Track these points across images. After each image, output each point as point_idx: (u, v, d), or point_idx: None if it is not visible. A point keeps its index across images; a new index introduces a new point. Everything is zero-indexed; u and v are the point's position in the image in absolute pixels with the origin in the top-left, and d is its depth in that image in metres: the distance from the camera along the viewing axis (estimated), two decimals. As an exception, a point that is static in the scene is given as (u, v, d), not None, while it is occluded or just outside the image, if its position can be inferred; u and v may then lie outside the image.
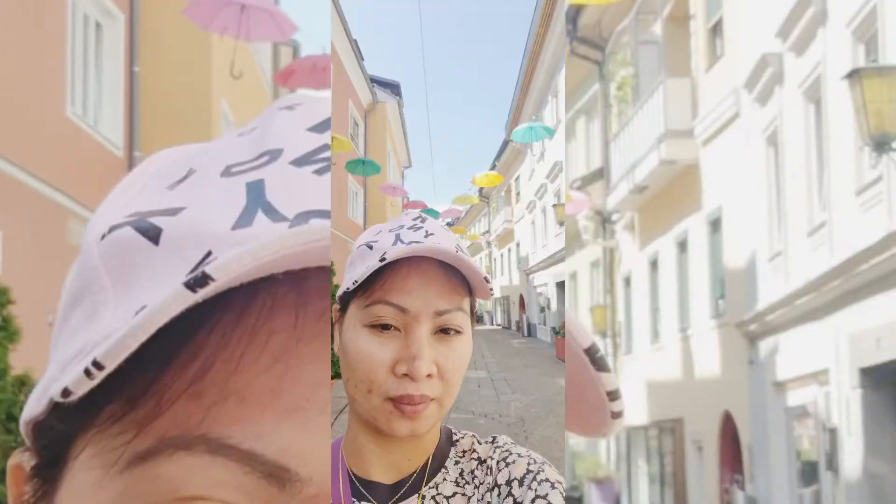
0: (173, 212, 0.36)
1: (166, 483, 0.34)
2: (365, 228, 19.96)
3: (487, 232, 35.73)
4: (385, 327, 0.85)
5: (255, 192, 0.35)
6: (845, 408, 5.12)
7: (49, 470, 0.38)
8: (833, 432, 5.26)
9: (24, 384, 3.84)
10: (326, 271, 0.35)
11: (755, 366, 6.97)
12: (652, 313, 9.81)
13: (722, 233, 8.12)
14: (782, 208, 6.80)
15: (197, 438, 0.34)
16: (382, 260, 0.82)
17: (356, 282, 0.85)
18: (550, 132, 13.59)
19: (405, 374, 0.83)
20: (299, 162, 0.37)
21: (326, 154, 0.38)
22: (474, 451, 0.96)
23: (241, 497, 0.34)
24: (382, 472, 0.92)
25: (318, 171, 0.37)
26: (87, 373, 0.33)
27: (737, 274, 7.63)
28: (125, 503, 0.34)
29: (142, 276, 0.34)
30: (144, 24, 8.19)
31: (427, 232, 0.89)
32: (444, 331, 0.86)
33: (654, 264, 9.93)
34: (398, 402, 0.83)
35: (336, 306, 0.93)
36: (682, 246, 9.18)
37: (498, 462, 0.93)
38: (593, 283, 11.97)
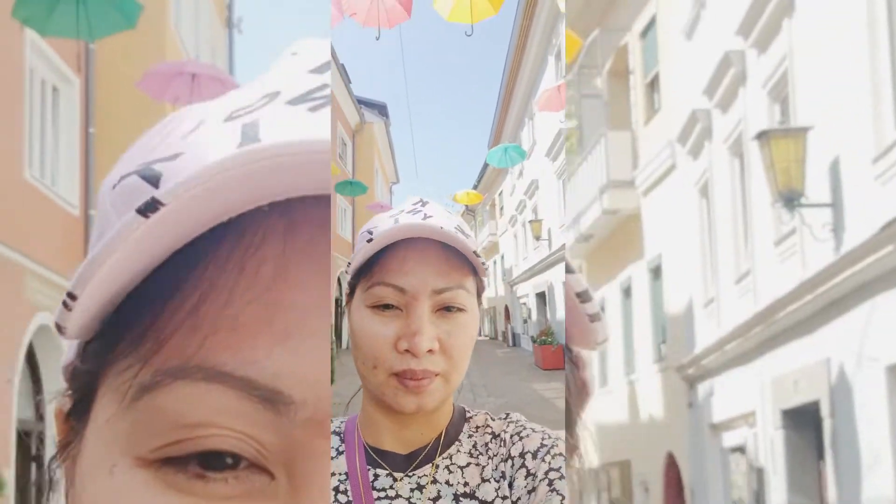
0: (173, 157, 0.38)
1: (168, 412, 0.36)
2: (353, 244, 21.13)
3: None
4: (387, 307, 0.89)
5: (249, 132, 0.36)
6: (770, 448, 5.39)
7: (81, 411, 0.41)
8: (760, 471, 5.53)
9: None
10: (322, 199, 0.36)
11: (694, 408, 7.24)
12: (600, 357, 10.09)
13: (662, 279, 8.46)
14: (714, 256, 7.15)
15: (193, 368, 0.35)
16: (370, 241, 0.88)
17: (354, 266, 0.92)
18: (524, 155, 13.96)
19: (407, 350, 0.87)
20: (295, 101, 0.39)
21: (324, 93, 0.39)
22: (488, 426, 0.98)
23: (240, 422, 0.35)
24: (396, 444, 0.95)
25: (313, 108, 0.38)
26: (65, 304, 0.36)
27: (676, 319, 7.95)
28: (134, 435, 0.36)
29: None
30: (99, 87, 8.41)
31: (425, 215, 0.91)
32: (446, 308, 0.90)
33: (601, 310, 10.22)
34: (402, 377, 0.87)
35: (346, 291, 0.98)
36: (627, 292, 9.50)
37: (512, 436, 0.94)
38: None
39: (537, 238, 19.38)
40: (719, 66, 7.02)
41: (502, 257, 29.56)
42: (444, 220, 0.90)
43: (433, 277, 0.88)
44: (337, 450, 0.95)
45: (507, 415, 0.99)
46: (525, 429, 0.95)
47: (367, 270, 0.90)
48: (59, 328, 0.38)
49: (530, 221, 20.10)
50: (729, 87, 6.97)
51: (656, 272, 8.69)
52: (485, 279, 0.97)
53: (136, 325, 0.37)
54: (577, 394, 0.91)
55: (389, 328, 0.88)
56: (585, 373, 0.71)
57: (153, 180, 0.36)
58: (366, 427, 0.96)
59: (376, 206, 19.41)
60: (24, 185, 7.02)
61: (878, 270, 4.19)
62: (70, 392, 0.42)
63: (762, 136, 5.00)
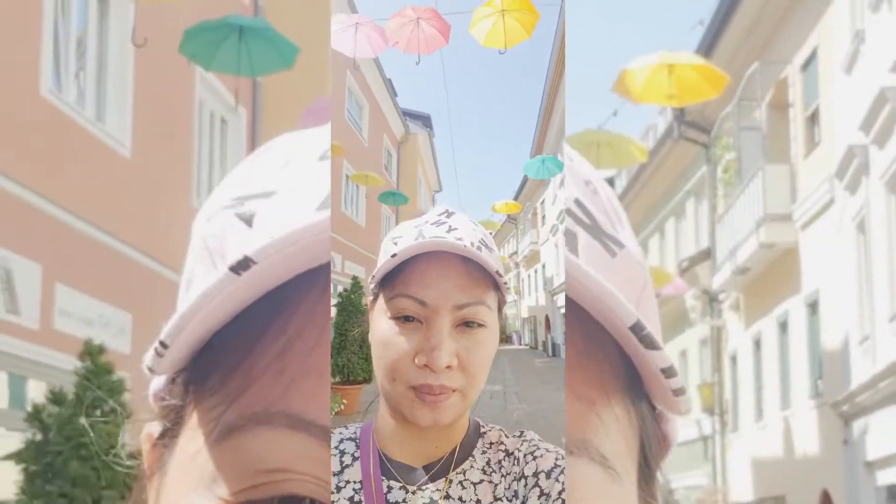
0: (268, 195, 0.39)
1: (251, 456, 0.37)
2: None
3: (515, 253, 35.62)
4: (408, 319, 0.88)
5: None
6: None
7: (168, 439, 0.42)
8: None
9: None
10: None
11: (849, 445, 7.18)
12: (756, 391, 10.03)
13: (819, 315, 8.39)
14: (870, 293, 7.10)
15: (277, 413, 0.37)
16: (393, 256, 0.88)
17: (377, 277, 0.93)
18: (560, 167, 14.04)
19: (425, 365, 0.86)
20: None
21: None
22: (502, 443, 0.97)
23: (319, 468, 0.37)
24: (411, 455, 0.95)
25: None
26: (157, 351, 0.38)
27: (833, 355, 7.88)
28: (218, 475, 0.37)
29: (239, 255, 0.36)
30: (265, 119, 9.38)
31: (450, 227, 0.91)
32: (466, 324, 0.89)
33: (757, 343, 10.18)
34: (419, 391, 0.87)
35: (370, 297, 0.98)
36: (783, 326, 9.42)
37: (525, 455, 0.93)
38: (702, 361, 12.21)
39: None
40: (875, 101, 7.02)
41: (543, 266, 29.32)
42: (468, 233, 0.90)
43: (454, 292, 0.88)
44: (352, 455, 0.96)
45: (522, 433, 0.99)
46: (539, 448, 0.94)
47: (389, 280, 0.91)
48: (150, 369, 0.40)
49: None
50: (885, 123, 6.95)
51: (813, 307, 8.61)
52: (507, 295, 0.97)
53: (225, 364, 0.38)
54: (658, 447, 0.71)
55: (409, 340, 0.88)
56: (668, 426, 0.59)
57: (248, 219, 0.38)
58: (381, 435, 0.97)
59: (417, 214, 20.05)
60: (192, 213, 7.98)
61: None
62: (159, 420, 0.43)
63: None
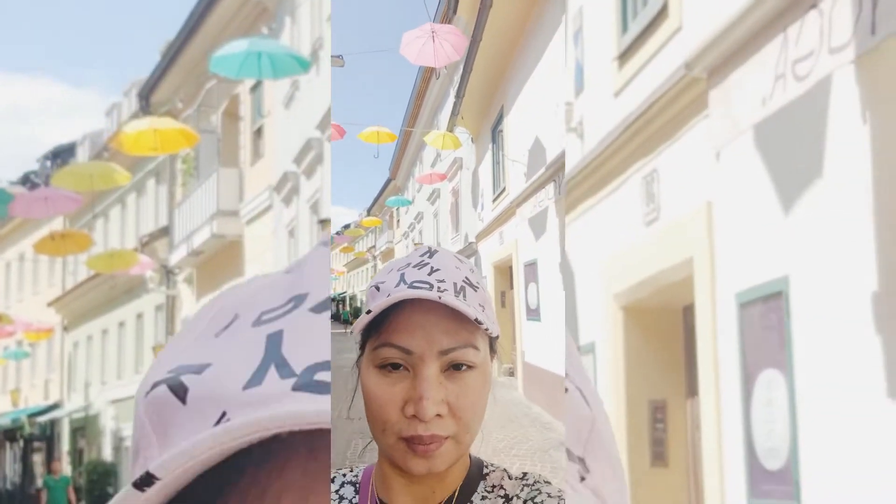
0: (200, 369, 0.39)
1: None
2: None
3: (374, 247, 39.90)
4: (395, 367, 0.85)
5: (273, 346, 0.38)
6: None
7: None
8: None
9: None
10: (325, 433, 0.35)
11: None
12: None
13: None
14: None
15: None
16: (368, 312, 0.86)
17: (358, 328, 0.89)
18: (408, 202, 24.06)
19: (414, 415, 0.83)
20: (318, 308, 0.40)
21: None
22: (502, 487, 0.94)
23: None
24: (409, 502, 0.93)
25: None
26: None
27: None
28: None
29: (177, 433, 0.36)
30: None
31: (432, 268, 0.89)
32: (455, 367, 0.86)
33: (208, 313, 12.47)
34: (410, 442, 0.84)
35: (357, 345, 0.94)
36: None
37: (525, 501, 0.91)
38: (157, 323, 14.06)
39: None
40: (303, 146, 9.66)
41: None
42: (450, 273, 0.88)
43: (440, 336, 0.85)
44: (350, 501, 0.96)
45: (525, 475, 0.95)
46: (540, 493, 0.91)
47: (374, 329, 0.88)
48: None
49: (415, 243, 24.62)
50: (311, 161, 9.65)
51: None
52: (495, 331, 0.91)
53: None
54: None
55: (396, 390, 0.85)
56: None
57: (180, 394, 0.38)
58: (379, 481, 0.95)
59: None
60: None
61: None
62: None
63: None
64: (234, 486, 0.36)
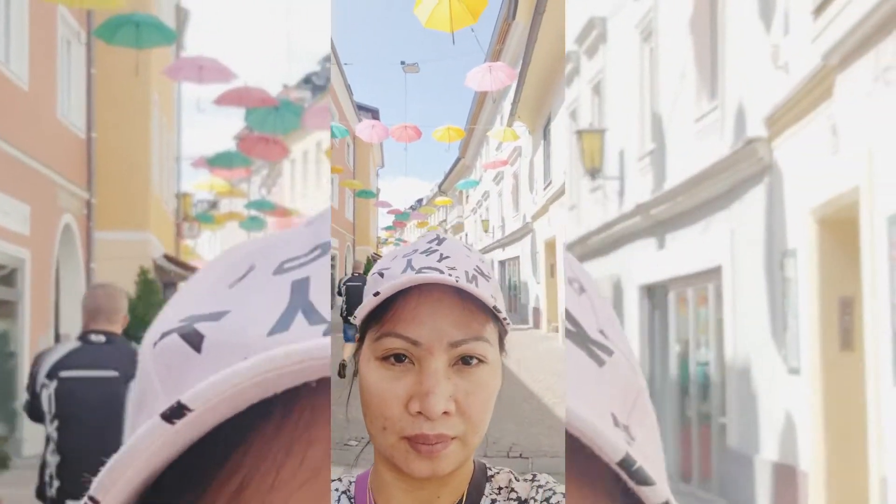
0: (217, 316, 0.37)
1: None
2: (354, 224, 30.03)
3: (444, 221, 44.57)
4: (399, 359, 0.79)
5: (299, 292, 0.36)
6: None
7: None
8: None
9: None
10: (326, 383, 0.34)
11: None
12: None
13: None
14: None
15: None
16: (376, 294, 0.79)
17: (361, 315, 0.83)
18: (475, 183, 26.81)
19: (419, 412, 0.77)
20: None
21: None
22: (512, 489, 0.89)
23: None
24: None
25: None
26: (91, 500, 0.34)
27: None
28: None
29: (188, 383, 0.33)
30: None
31: (441, 255, 0.84)
32: (464, 360, 0.80)
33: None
34: (414, 442, 0.78)
35: (357, 336, 0.88)
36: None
37: (541, 502, 0.86)
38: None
39: (485, 231, 29.44)
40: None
41: (466, 235, 37.15)
42: (461, 261, 0.84)
43: (450, 328, 0.79)
44: None
45: (534, 476, 0.90)
46: (555, 493, 0.86)
47: (376, 319, 0.81)
48: None
49: (482, 220, 30.08)
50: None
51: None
52: (507, 325, 0.87)
53: (176, 502, 0.35)
54: None
55: (400, 385, 0.78)
56: None
57: (195, 342, 0.36)
58: (377, 488, 0.88)
59: (383, 204, 30.39)
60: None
61: None
62: None
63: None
64: (258, 433, 0.34)
